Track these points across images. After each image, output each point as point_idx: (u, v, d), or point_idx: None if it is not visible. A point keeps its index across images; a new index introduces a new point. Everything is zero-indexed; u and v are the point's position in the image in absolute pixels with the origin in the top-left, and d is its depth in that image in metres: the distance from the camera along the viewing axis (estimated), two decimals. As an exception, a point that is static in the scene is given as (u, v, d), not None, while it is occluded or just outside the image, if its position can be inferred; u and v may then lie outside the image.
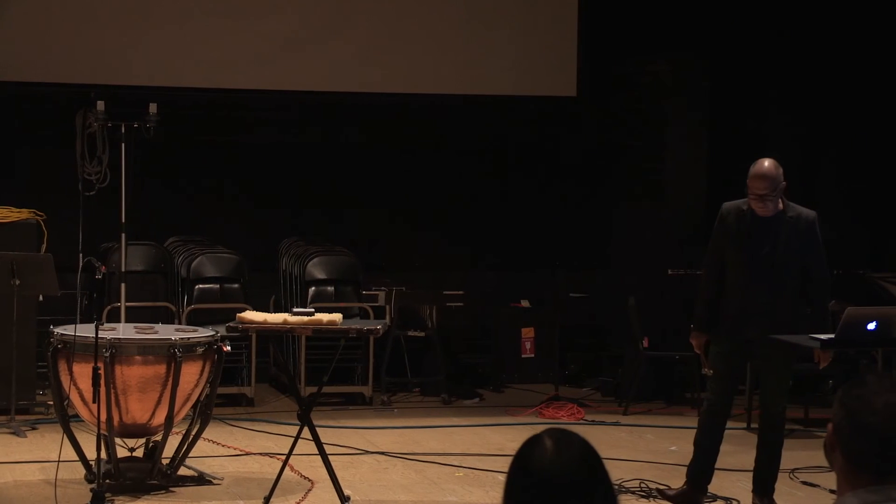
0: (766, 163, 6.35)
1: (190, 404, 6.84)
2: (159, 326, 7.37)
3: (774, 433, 6.55)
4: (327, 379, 7.05)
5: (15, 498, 6.61)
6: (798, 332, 6.41)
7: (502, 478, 2.22)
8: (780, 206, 6.35)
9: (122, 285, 8.55)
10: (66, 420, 6.67)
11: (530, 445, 2.30)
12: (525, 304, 10.42)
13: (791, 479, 7.28)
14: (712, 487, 6.99)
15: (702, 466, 6.62)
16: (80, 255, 8.42)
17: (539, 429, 2.36)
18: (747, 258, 6.40)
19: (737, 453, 7.96)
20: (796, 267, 6.38)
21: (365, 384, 9.43)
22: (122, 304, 8.51)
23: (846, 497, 2.36)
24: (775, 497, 6.66)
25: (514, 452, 2.34)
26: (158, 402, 6.63)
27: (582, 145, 10.87)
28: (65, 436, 6.55)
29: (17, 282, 8.01)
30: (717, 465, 7.59)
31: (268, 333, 6.99)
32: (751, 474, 7.42)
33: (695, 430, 8.71)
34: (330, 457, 6.59)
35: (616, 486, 2.32)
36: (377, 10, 10.20)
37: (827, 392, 9.30)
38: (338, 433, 8.19)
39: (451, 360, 9.91)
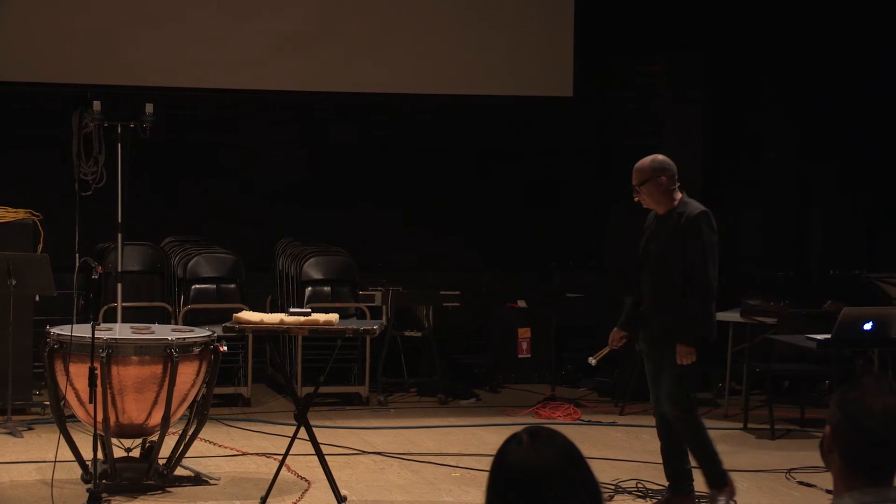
0: (646, 158, 6.38)
1: (186, 404, 6.84)
2: (156, 326, 7.37)
3: (672, 431, 6.43)
4: (324, 379, 7.05)
5: (11, 498, 6.61)
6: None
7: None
8: (675, 203, 6.32)
9: (119, 285, 8.54)
10: (62, 420, 6.67)
11: (507, 441, 2.34)
12: (521, 304, 10.43)
13: (787, 479, 7.29)
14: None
15: (667, 469, 6.54)
16: (77, 255, 8.43)
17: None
18: (641, 256, 6.45)
19: (734, 453, 7.96)
20: (675, 266, 6.25)
21: (361, 384, 9.43)
22: (119, 305, 8.51)
23: (843, 498, 2.37)
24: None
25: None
26: (155, 403, 6.62)
27: (578, 145, 10.87)
28: (61, 436, 6.54)
29: (14, 282, 8.00)
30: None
31: (264, 333, 6.98)
32: (748, 473, 7.43)
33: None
34: (327, 457, 6.59)
35: (599, 481, 2.32)
36: (372, 10, 10.21)
37: (823, 392, 9.32)
38: (334, 433, 8.19)
39: (448, 361, 9.91)
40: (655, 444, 8.18)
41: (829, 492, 6.31)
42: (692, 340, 6.25)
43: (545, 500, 2.22)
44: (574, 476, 2.26)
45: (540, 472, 2.25)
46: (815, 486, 7.03)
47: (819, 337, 7.83)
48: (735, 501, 6.72)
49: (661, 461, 7.62)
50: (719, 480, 6.38)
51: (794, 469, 7.40)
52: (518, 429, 2.40)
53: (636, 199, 6.39)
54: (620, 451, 7.67)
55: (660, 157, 6.43)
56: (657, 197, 6.33)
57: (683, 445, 6.42)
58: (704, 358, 6.47)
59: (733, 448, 8.17)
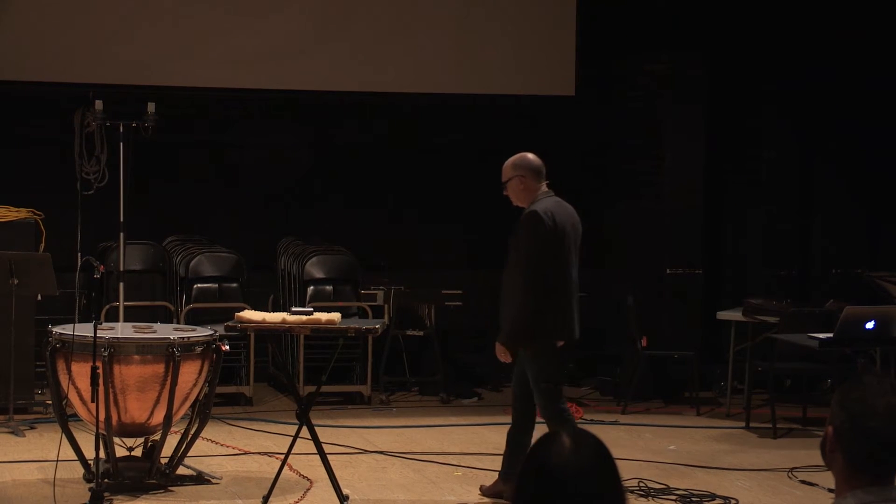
0: (510, 158, 6.58)
1: (188, 403, 6.84)
2: (158, 326, 7.37)
3: (520, 423, 6.46)
4: (326, 378, 7.05)
5: (14, 497, 6.61)
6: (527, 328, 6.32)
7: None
8: (524, 201, 6.50)
9: (121, 284, 8.54)
10: (64, 419, 6.67)
11: (547, 442, 2.29)
12: (523, 303, 10.41)
13: (789, 478, 7.28)
14: (710, 486, 7.00)
15: (506, 453, 6.61)
16: (79, 254, 8.43)
17: (537, 428, 2.36)
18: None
19: (736, 452, 7.97)
20: (513, 263, 6.44)
21: (363, 383, 9.43)
22: (121, 304, 8.51)
23: (845, 497, 2.37)
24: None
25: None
26: (157, 402, 6.62)
27: (580, 144, 10.86)
28: (63, 435, 6.55)
29: (16, 281, 8.01)
30: (714, 465, 7.62)
31: (266, 333, 6.98)
32: (750, 472, 7.44)
33: (684, 429, 8.74)
34: (329, 456, 6.59)
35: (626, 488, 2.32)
36: (374, 9, 10.20)
37: (825, 391, 9.32)
38: (336, 432, 8.19)
39: (450, 360, 9.91)
40: (658, 444, 8.20)
41: (830, 491, 6.31)
42: (503, 338, 6.39)
43: (581, 500, 2.22)
44: (610, 478, 2.27)
45: (579, 478, 2.23)
46: (818, 486, 7.03)
47: (821, 336, 7.83)
48: (736, 500, 6.71)
49: (661, 460, 7.63)
50: None
51: (796, 468, 7.40)
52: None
53: (504, 194, 6.60)
54: (622, 449, 7.67)
55: (526, 155, 6.61)
56: (517, 195, 6.54)
57: (524, 436, 6.38)
58: (567, 356, 6.71)
59: (735, 447, 8.17)
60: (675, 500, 6.76)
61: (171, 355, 6.59)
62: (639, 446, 8.06)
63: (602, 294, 10.23)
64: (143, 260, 9.41)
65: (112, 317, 8.63)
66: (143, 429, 6.74)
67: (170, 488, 6.74)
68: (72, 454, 6.62)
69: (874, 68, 10.34)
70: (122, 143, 8.42)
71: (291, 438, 6.55)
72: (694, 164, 10.08)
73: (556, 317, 6.34)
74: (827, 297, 9.24)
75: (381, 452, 7.79)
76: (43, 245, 8.53)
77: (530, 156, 6.58)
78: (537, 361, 6.33)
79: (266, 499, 6.40)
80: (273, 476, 6.51)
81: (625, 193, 10.21)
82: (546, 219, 6.34)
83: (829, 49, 10.36)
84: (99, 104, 8.55)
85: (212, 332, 6.89)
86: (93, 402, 6.24)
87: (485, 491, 6.73)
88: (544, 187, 6.56)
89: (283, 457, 6.59)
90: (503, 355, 6.40)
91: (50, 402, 7.24)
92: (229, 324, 6.63)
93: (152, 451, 6.75)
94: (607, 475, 2.26)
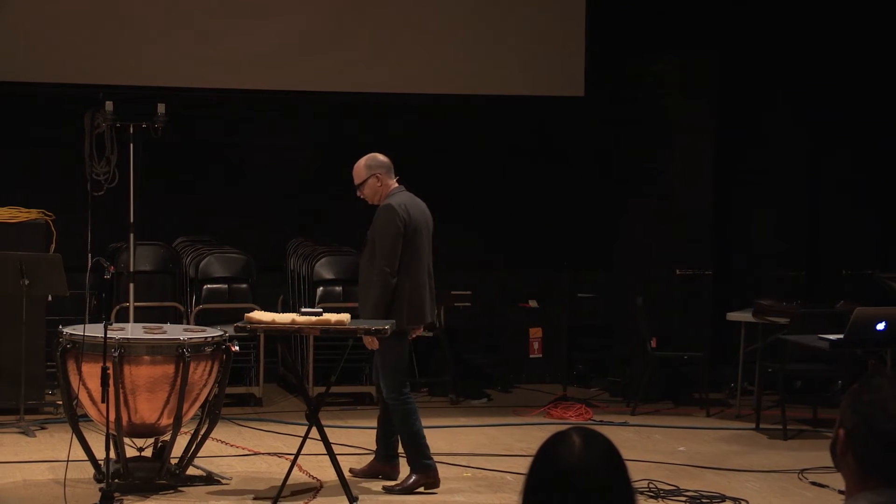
0: (360, 160, 7.00)
1: (198, 404, 6.85)
2: (168, 326, 7.38)
3: (387, 412, 6.88)
4: (335, 379, 7.06)
5: (24, 497, 6.62)
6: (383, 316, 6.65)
7: (511, 478, 2.23)
8: (380, 198, 6.88)
9: (131, 285, 8.56)
10: (74, 420, 6.68)
11: (557, 441, 2.28)
12: (533, 304, 10.42)
13: (800, 479, 7.27)
14: (720, 487, 6.99)
15: (378, 436, 7.02)
16: (89, 255, 8.45)
17: (547, 429, 2.36)
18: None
19: (746, 454, 7.96)
20: (368, 255, 6.83)
21: (373, 384, 9.42)
22: (131, 304, 8.52)
23: (856, 499, 2.36)
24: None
25: (521, 453, 2.34)
26: (167, 402, 6.63)
27: (589, 144, 10.86)
28: (74, 435, 6.56)
29: (27, 282, 8.03)
30: (724, 466, 7.60)
31: (276, 333, 6.98)
32: (760, 474, 7.43)
33: (694, 430, 8.73)
34: (338, 457, 6.60)
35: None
36: (384, 10, 10.20)
37: (835, 392, 9.29)
38: (346, 433, 8.19)
39: (459, 361, 9.91)
40: (667, 445, 8.20)
41: (841, 492, 6.29)
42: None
43: (591, 500, 2.21)
44: (619, 478, 2.26)
45: (588, 478, 2.23)
46: (828, 487, 7.02)
47: (832, 337, 7.81)
48: (746, 501, 6.70)
49: (670, 461, 7.62)
50: (418, 465, 6.79)
51: (806, 469, 7.38)
52: (527, 429, 2.40)
53: (358, 195, 6.96)
54: (632, 451, 7.65)
55: (376, 155, 7.03)
56: (374, 193, 6.92)
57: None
58: (412, 345, 7.16)
59: (745, 448, 8.16)
60: (684, 502, 6.75)
61: (181, 356, 6.60)
62: (648, 447, 8.05)
63: (611, 295, 10.23)
64: (153, 261, 9.43)
65: (122, 317, 8.65)
66: (153, 429, 6.75)
67: (180, 488, 6.75)
68: (82, 454, 6.63)
69: (885, 67, 10.32)
70: (131, 144, 8.44)
71: (301, 439, 6.55)
72: (703, 165, 10.06)
73: (410, 304, 6.76)
74: (837, 298, 9.22)
75: (391, 453, 7.78)
76: (53, 246, 8.55)
77: (380, 155, 7.04)
78: (388, 344, 6.65)
79: (276, 500, 6.40)
80: (283, 477, 6.51)
81: (634, 193, 10.20)
82: (401, 211, 6.79)
83: (838, 48, 10.34)
84: (109, 105, 8.57)
85: (221, 332, 6.90)
86: (103, 402, 6.25)
87: (357, 472, 6.96)
88: (396, 183, 6.95)
89: (292, 457, 6.59)
90: (371, 343, 6.72)
91: (60, 402, 7.25)
92: (239, 324, 6.63)
93: (162, 451, 6.76)
94: (617, 474, 2.26)
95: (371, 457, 7.13)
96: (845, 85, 10.37)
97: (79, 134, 9.12)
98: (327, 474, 6.82)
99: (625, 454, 2.33)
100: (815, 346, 8.03)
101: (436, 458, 7.63)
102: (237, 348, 6.92)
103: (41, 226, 8.64)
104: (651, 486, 6.87)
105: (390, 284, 6.70)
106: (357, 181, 6.93)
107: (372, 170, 6.91)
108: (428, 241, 7.00)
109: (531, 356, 10.35)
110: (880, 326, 7.65)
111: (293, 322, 6.60)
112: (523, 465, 2.29)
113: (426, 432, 8.30)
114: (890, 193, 10.46)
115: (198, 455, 6.90)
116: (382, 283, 6.69)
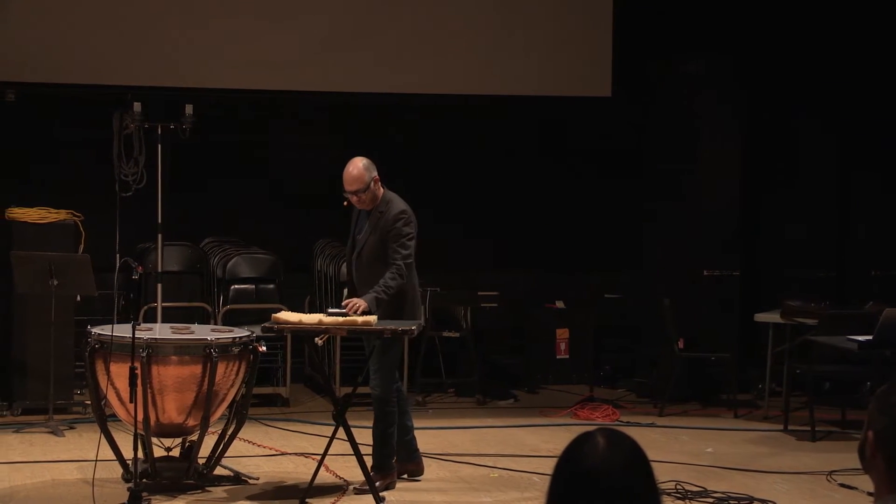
0: (354, 167, 6.89)
1: (226, 404, 6.87)
2: (195, 326, 7.40)
3: (376, 414, 6.88)
4: (362, 379, 7.06)
5: (53, 496, 6.66)
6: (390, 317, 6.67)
7: (537, 479, 2.22)
8: (377, 200, 6.87)
9: (159, 286, 8.59)
10: (103, 419, 6.71)
11: (581, 442, 2.28)
12: (559, 304, 10.41)
13: (829, 481, 7.23)
14: (748, 489, 6.96)
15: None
16: (118, 255, 8.49)
17: (574, 430, 2.35)
18: (350, 247, 7.00)
19: (774, 455, 7.92)
20: (375, 256, 6.81)
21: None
22: (159, 305, 8.56)
23: (885, 501, 2.35)
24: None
25: (547, 454, 2.34)
26: (194, 402, 6.66)
27: (616, 145, 10.83)
28: (102, 435, 6.59)
29: (56, 282, 8.08)
30: (752, 468, 7.57)
31: (303, 334, 7.00)
32: (788, 475, 7.39)
33: (721, 431, 8.70)
34: (365, 457, 6.61)
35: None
36: (407, 10, 10.21)
37: (864, 394, 9.23)
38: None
39: (486, 361, 9.90)
40: (694, 446, 8.16)
41: (870, 494, 6.26)
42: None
43: (616, 501, 2.20)
44: (644, 479, 2.25)
45: (613, 479, 2.22)
46: (857, 489, 6.98)
47: (860, 338, 7.77)
48: (773, 502, 6.67)
49: (698, 463, 7.59)
50: (385, 466, 6.82)
51: (835, 471, 7.34)
52: (554, 430, 2.40)
53: (353, 201, 6.89)
54: (659, 452, 7.64)
55: (366, 159, 6.99)
56: (373, 198, 6.89)
57: (405, 420, 7.03)
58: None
59: (773, 450, 8.12)
60: (712, 503, 6.73)
61: (208, 356, 6.62)
62: (675, 449, 8.03)
63: (639, 295, 10.20)
64: (180, 261, 9.47)
65: (150, 317, 8.68)
66: (180, 429, 6.77)
67: (207, 488, 6.77)
68: (110, 454, 6.66)
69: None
70: (159, 145, 8.47)
71: (328, 439, 6.56)
72: (731, 165, 10.02)
73: (412, 304, 6.87)
74: (866, 299, 9.16)
75: (418, 453, 7.78)
76: (82, 246, 8.60)
77: (367, 161, 6.96)
78: (390, 343, 6.73)
79: (303, 500, 6.41)
80: (310, 477, 6.53)
81: (661, 195, 10.16)
82: (412, 217, 6.94)
83: (866, 49, 10.28)
84: (137, 106, 8.61)
85: (249, 332, 6.92)
86: (131, 402, 6.28)
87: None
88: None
89: (319, 458, 6.60)
90: (356, 306, 6.67)
91: (89, 402, 7.28)
92: (266, 325, 6.65)
93: (190, 451, 6.78)
94: (642, 475, 2.25)
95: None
96: (873, 83, 10.31)
97: (108, 135, 9.16)
98: (354, 474, 6.83)
99: (652, 455, 2.32)
100: (844, 348, 7.99)
101: (462, 459, 7.64)
102: (264, 348, 6.94)
103: (70, 226, 8.69)
104: (678, 487, 6.84)
105: (403, 288, 6.79)
106: (357, 187, 6.84)
107: (371, 174, 6.88)
108: None
109: (558, 357, 10.34)
110: (910, 328, 7.60)
111: (320, 322, 6.62)
112: (550, 465, 2.29)
113: (452, 433, 8.30)
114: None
115: (225, 455, 6.93)
116: (400, 285, 6.73)
